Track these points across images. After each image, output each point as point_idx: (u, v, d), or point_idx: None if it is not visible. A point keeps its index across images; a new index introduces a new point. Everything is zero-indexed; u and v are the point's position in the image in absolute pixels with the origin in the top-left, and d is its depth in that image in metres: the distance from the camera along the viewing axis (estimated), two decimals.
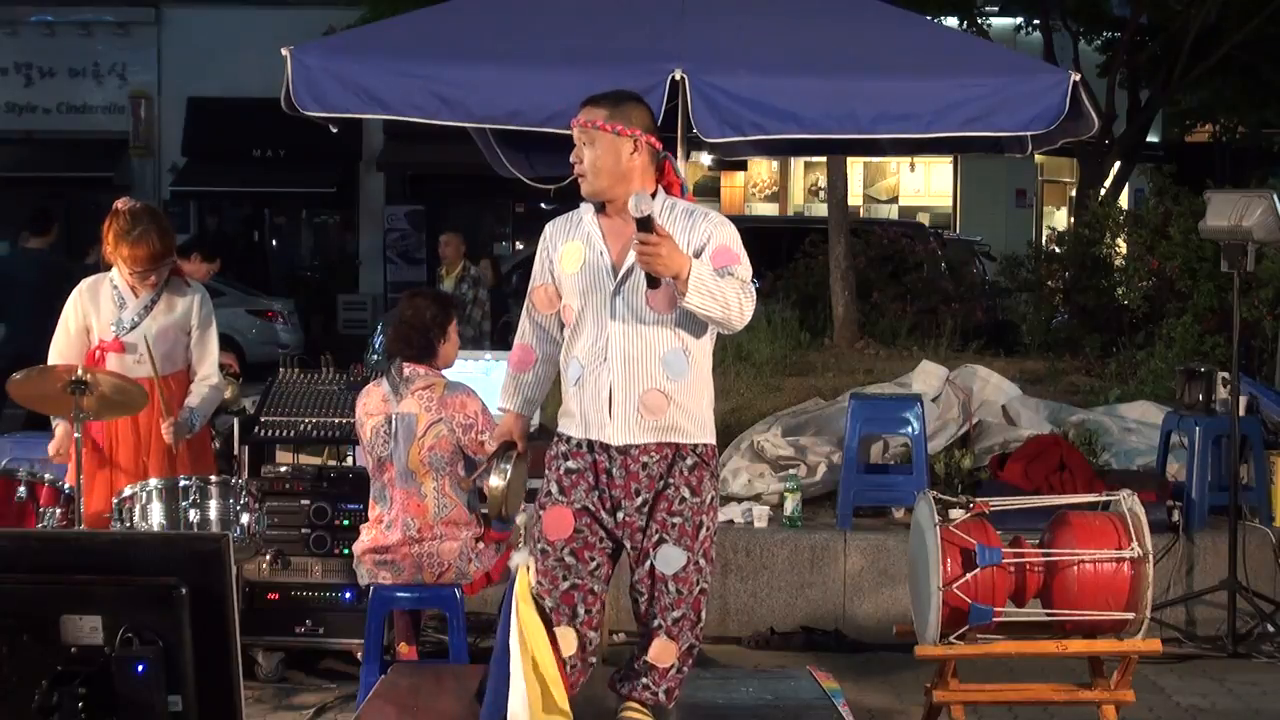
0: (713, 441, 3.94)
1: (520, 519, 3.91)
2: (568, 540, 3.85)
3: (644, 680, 3.92)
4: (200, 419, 5.30)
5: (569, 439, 3.90)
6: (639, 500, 3.83)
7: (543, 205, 18.62)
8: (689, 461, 3.85)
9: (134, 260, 5.15)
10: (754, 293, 3.78)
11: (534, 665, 3.56)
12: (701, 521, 3.85)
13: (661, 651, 3.88)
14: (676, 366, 3.82)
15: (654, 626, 3.89)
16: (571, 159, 3.87)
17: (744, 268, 3.79)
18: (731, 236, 3.83)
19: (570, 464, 3.88)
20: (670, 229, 3.74)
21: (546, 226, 4.03)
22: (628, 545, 3.88)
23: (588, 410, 3.85)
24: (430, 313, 5.24)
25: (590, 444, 3.86)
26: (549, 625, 3.83)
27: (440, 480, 5.04)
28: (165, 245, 5.22)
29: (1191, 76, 15.92)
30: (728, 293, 3.67)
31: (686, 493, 3.84)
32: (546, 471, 3.95)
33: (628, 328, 3.81)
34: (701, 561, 3.86)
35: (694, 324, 3.83)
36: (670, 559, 3.83)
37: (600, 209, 3.92)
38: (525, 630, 3.60)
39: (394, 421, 5.08)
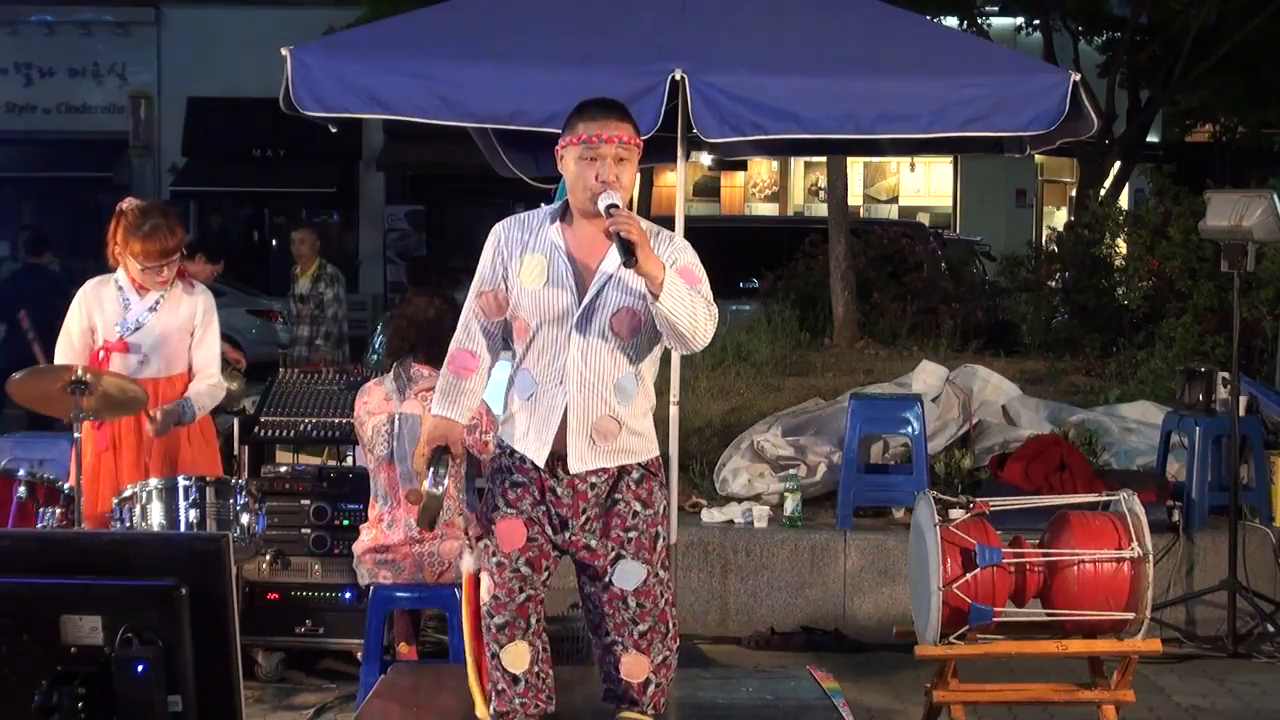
0: (657, 453, 3.88)
1: (462, 520, 3.82)
2: (522, 550, 3.78)
3: (627, 697, 3.88)
4: (193, 411, 5.28)
5: (512, 452, 3.82)
6: (584, 518, 3.77)
7: (542, 205, 18.57)
8: (635, 475, 3.79)
9: (147, 255, 5.15)
10: (716, 316, 3.70)
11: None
12: (657, 533, 3.80)
13: (632, 666, 3.83)
14: (628, 390, 3.75)
15: (609, 643, 3.82)
16: (608, 176, 3.66)
17: (706, 288, 3.72)
18: (694, 260, 3.76)
19: (516, 477, 3.79)
20: None
21: (497, 227, 3.85)
22: (574, 561, 3.83)
23: (536, 431, 3.75)
24: (450, 317, 5.21)
25: (534, 462, 3.78)
26: (504, 641, 3.82)
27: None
28: (177, 238, 5.23)
29: (1191, 76, 15.91)
30: (697, 306, 3.61)
31: (639, 506, 3.77)
32: (489, 484, 3.88)
33: (588, 351, 3.71)
34: (661, 573, 3.81)
35: (648, 347, 3.78)
36: (629, 574, 3.77)
37: (562, 217, 3.81)
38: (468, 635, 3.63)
39: (397, 422, 5.07)
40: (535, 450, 3.75)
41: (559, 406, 3.72)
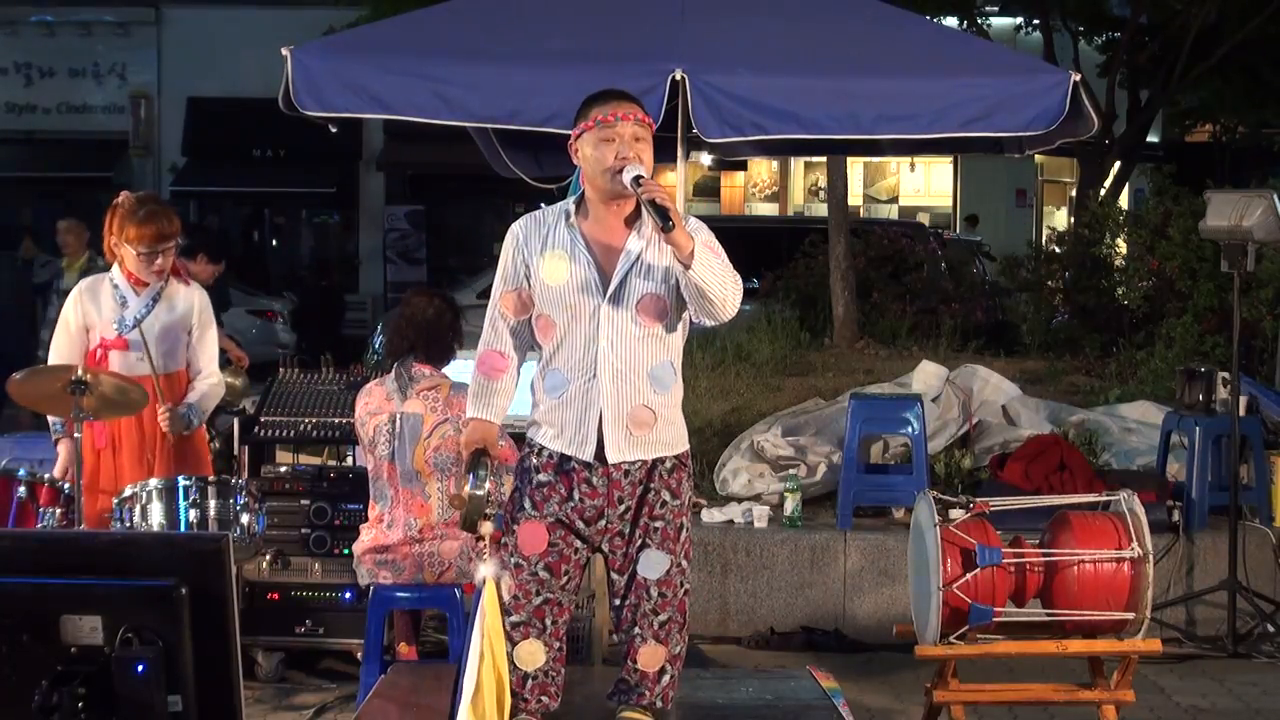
0: (688, 446, 3.92)
1: (486, 528, 3.84)
2: (542, 555, 3.80)
3: (638, 690, 3.90)
4: (199, 416, 5.29)
5: (541, 449, 3.84)
6: (622, 508, 3.79)
7: (543, 205, 18.53)
8: (668, 465, 3.82)
9: (142, 239, 5.14)
10: (741, 284, 3.74)
11: (496, 681, 3.52)
12: (682, 524, 3.84)
13: (650, 657, 3.86)
14: (663, 380, 3.78)
15: (635, 633, 3.85)
16: (628, 153, 3.67)
17: (727, 261, 3.74)
18: (711, 238, 3.77)
19: (542, 476, 3.82)
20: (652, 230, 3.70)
21: (515, 227, 3.87)
22: (606, 550, 3.84)
23: (570, 426, 3.77)
24: (449, 316, 5.22)
25: (566, 456, 3.79)
26: (518, 639, 3.81)
27: (445, 481, 5.03)
28: (173, 225, 5.23)
29: (1191, 76, 15.89)
30: (726, 274, 3.66)
31: (667, 496, 3.81)
32: (517, 483, 3.90)
33: (617, 341, 3.74)
34: (684, 563, 3.85)
35: (677, 334, 3.81)
36: (654, 563, 3.80)
37: (577, 210, 3.82)
38: (494, 645, 3.55)
39: (398, 421, 5.07)
40: (578, 447, 3.77)
41: (595, 400, 3.75)
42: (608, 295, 3.73)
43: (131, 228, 5.14)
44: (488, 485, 3.82)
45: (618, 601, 3.89)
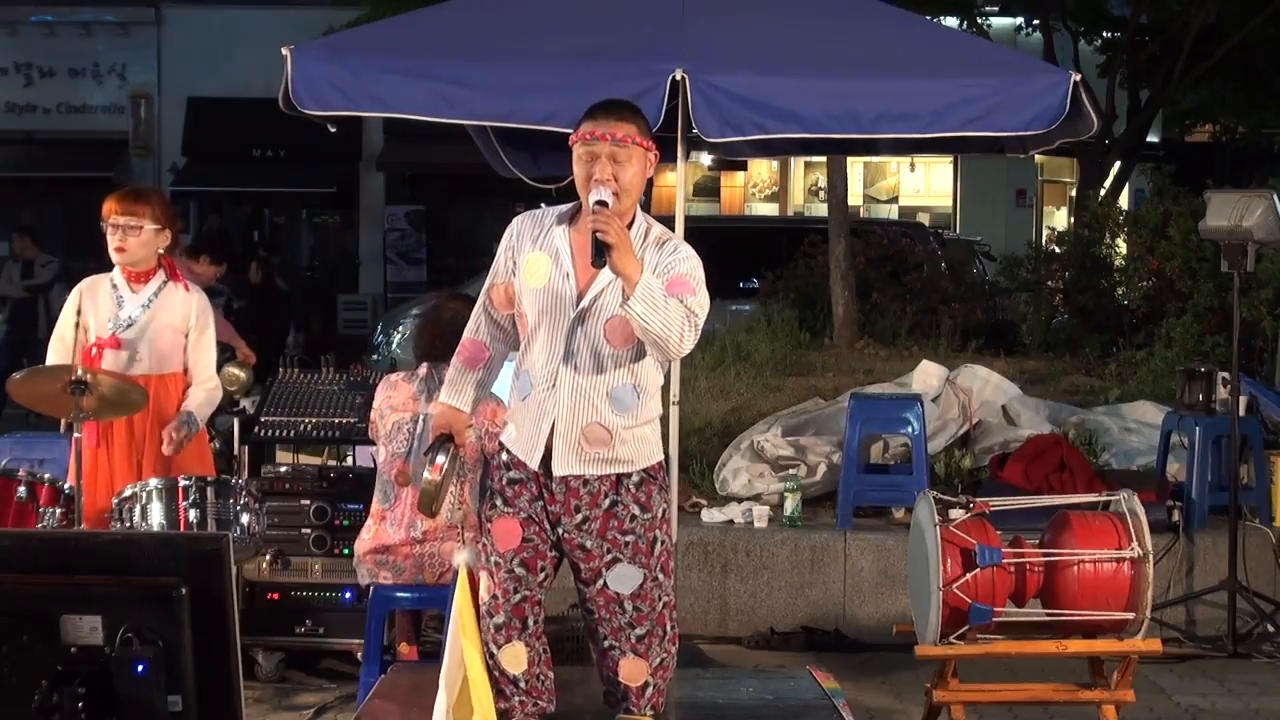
0: (659, 459, 3.86)
1: (441, 513, 3.86)
2: (517, 550, 3.79)
3: (626, 703, 3.89)
4: (197, 424, 5.29)
5: (509, 450, 3.84)
6: (578, 518, 3.76)
7: (543, 205, 18.52)
8: (635, 479, 3.78)
9: (118, 205, 5.16)
10: (699, 328, 3.65)
11: (465, 667, 3.52)
12: (655, 536, 3.80)
13: (630, 671, 3.84)
14: (625, 402, 3.74)
15: (607, 647, 3.83)
16: (600, 175, 3.66)
17: (696, 300, 3.65)
18: (693, 270, 3.70)
19: (513, 474, 3.81)
20: (640, 256, 3.64)
21: (514, 221, 3.87)
22: (569, 561, 3.83)
23: (525, 432, 3.77)
24: None
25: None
26: (501, 642, 3.81)
27: (460, 486, 5.01)
28: (140, 206, 5.21)
29: (1191, 76, 15.89)
30: (672, 313, 3.55)
31: (636, 510, 3.77)
32: (489, 481, 3.90)
33: (581, 358, 3.71)
34: (660, 576, 3.81)
35: (647, 361, 3.76)
36: (626, 578, 3.77)
37: (572, 218, 3.81)
38: (464, 630, 3.56)
39: (421, 422, 5.06)
40: (528, 453, 3.77)
41: (550, 411, 3.73)
42: (578, 309, 3.72)
43: (110, 202, 5.21)
44: (445, 470, 3.85)
45: (588, 616, 3.86)
